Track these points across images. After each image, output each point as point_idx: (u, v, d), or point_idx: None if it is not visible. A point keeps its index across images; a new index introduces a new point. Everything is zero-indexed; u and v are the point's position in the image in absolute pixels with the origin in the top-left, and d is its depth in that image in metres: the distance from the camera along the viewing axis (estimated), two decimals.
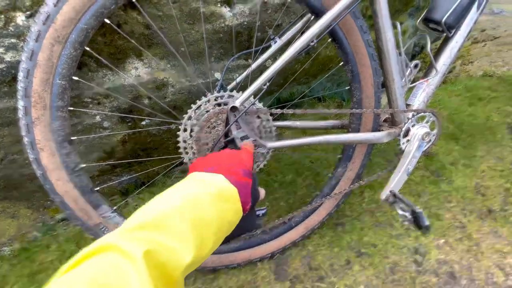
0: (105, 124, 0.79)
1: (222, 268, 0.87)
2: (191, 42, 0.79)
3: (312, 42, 0.60)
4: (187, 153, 0.69)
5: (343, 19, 0.62)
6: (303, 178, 1.14)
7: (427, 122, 0.80)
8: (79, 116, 0.74)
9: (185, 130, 0.67)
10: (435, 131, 0.81)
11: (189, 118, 0.66)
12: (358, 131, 0.81)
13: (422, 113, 0.78)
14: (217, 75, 0.89)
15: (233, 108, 0.60)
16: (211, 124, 0.66)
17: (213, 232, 0.37)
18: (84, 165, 0.68)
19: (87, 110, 0.70)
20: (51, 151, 0.62)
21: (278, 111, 0.69)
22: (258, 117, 0.69)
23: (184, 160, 0.70)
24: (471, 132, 1.25)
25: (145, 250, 0.26)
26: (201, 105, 0.65)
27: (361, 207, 1.04)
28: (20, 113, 0.57)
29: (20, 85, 0.55)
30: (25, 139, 0.59)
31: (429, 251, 0.88)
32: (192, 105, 0.65)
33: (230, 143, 0.63)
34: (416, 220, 0.69)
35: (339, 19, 0.60)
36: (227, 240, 0.44)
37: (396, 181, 0.78)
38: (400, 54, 0.75)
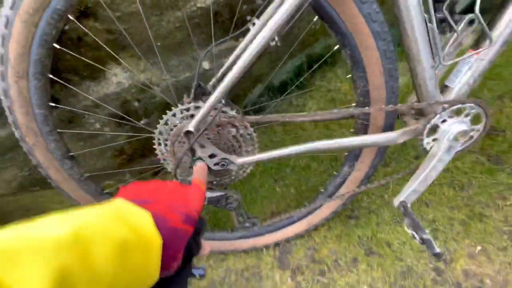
0: (106, 129, 0.84)
1: (229, 252, 0.94)
2: (165, 35, 0.71)
3: (273, 40, 0.45)
4: (168, 164, 0.69)
5: None
6: (319, 162, 1.04)
7: (467, 115, 0.58)
8: (82, 125, 0.80)
9: (159, 143, 0.66)
10: (479, 126, 0.59)
11: (160, 132, 0.64)
12: (366, 128, 0.65)
13: (460, 105, 0.56)
14: (205, 64, 0.80)
15: (188, 132, 0.54)
16: (182, 138, 0.63)
17: None
18: (88, 175, 0.76)
19: (71, 131, 0.74)
20: (56, 168, 0.70)
21: (254, 118, 0.59)
22: (233, 126, 0.62)
23: (168, 169, 0.71)
24: None
25: None
26: (168, 119, 0.61)
27: (382, 199, 0.91)
28: (20, 141, 0.65)
29: (9, 119, 0.61)
30: (32, 161, 0.68)
31: (456, 259, 0.75)
32: (160, 120, 0.62)
33: (198, 161, 0.60)
34: (425, 244, 0.57)
35: None
36: None
37: (411, 191, 0.63)
38: (430, 19, 0.52)
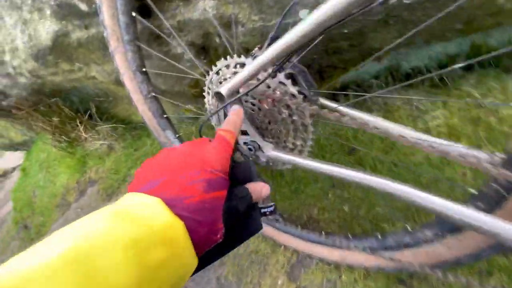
0: (186, 57, 0.81)
1: None
2: None
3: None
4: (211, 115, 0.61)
5: None
6: None
7: None
8: (167, 45, 0.80)
9: (208, 93, 0.57)
10: None
11: (211, 80, 0.54)
12: (499, 202, 0.37)
13: None
14: (302, 13, 0.61)
15: (219, 95, 0.41)
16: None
17: None
18: (154, 94, 0.78)
19: (147, 48, 0.73)
20: (130, 76, 0.74)
21: (314, 109, 0.40)
22: (287, 106, 0.46)
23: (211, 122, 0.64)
24: None
25: None
26: (221, 68, 0.50)
27: None
28: (106, 41, 0.69)
29: (99, 17, 0.64)
30: (114, 63, 0.73)
31: None
32: (213, 66, 0.52)
33: None
34: None
35: None
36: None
37: None
38: None
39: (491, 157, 0.40)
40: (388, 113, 1.00)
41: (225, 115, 0.46)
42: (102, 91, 1.43)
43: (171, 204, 0.25)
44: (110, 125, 1.56)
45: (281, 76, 0.43)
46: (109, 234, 0.21)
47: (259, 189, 0.32)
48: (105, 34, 0.67)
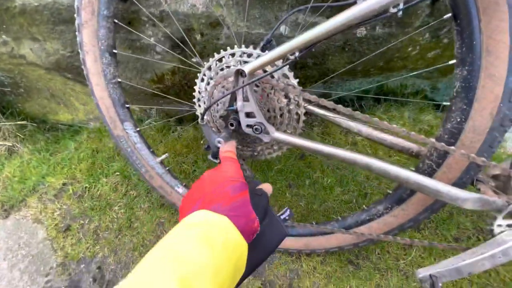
0: (158, 48, 0.79)
1: None
2: None
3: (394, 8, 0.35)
4: (199, 106, 0.62)
5: None
6: (344, 191, 0.92)
7: None
8: (139, 31, 0.76)
9: (202, 80, 0.59)
10: None
11: (209, 68, 0.56)
12: (432, 173, 0.53)
13: None
14: (284, 28, 0.72)
15: (240, 73, 0.46)
16: (228, 83, 0.55)
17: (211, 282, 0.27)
18: (120, 80, 0.72)
19: (129, 28, 0.70)
20: (95, 56, 0.66)
21: (313, 98, 0.49)
22: (286, 96, 0.53)
23: (196, 113, 0.64)
24: None
25: None
26: (224, 57, 0.54)
27: (395, 263, 0.77)
28: (75, 13, 0.61)
29: None
30: (77, 38, 0.65)
31: None
32: (216, 54, 0.55)
33: (231, 114, 0.51)
34: None
35: None
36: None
37: (448, 269, 0.50)
38: None
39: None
40: (326, 128, 1.21)
41: (233, 98, 0.49)
42: (12, 80, 1.15)
43: (216, 211, 0.33)
44: (17, 123, 1.24)
45: (285, 69, 0.50)
46: (207, 265, 0.27)
47: (266, 187, 0.43)
48: (76, 3, 0.60)
